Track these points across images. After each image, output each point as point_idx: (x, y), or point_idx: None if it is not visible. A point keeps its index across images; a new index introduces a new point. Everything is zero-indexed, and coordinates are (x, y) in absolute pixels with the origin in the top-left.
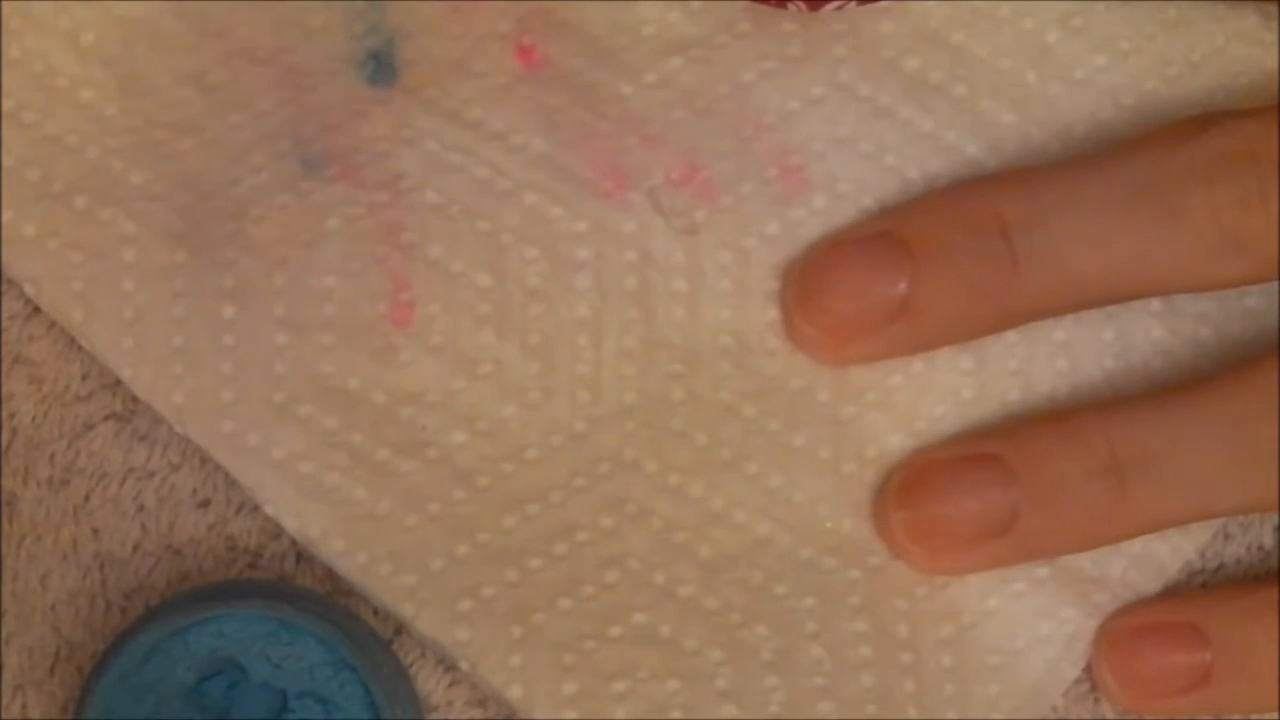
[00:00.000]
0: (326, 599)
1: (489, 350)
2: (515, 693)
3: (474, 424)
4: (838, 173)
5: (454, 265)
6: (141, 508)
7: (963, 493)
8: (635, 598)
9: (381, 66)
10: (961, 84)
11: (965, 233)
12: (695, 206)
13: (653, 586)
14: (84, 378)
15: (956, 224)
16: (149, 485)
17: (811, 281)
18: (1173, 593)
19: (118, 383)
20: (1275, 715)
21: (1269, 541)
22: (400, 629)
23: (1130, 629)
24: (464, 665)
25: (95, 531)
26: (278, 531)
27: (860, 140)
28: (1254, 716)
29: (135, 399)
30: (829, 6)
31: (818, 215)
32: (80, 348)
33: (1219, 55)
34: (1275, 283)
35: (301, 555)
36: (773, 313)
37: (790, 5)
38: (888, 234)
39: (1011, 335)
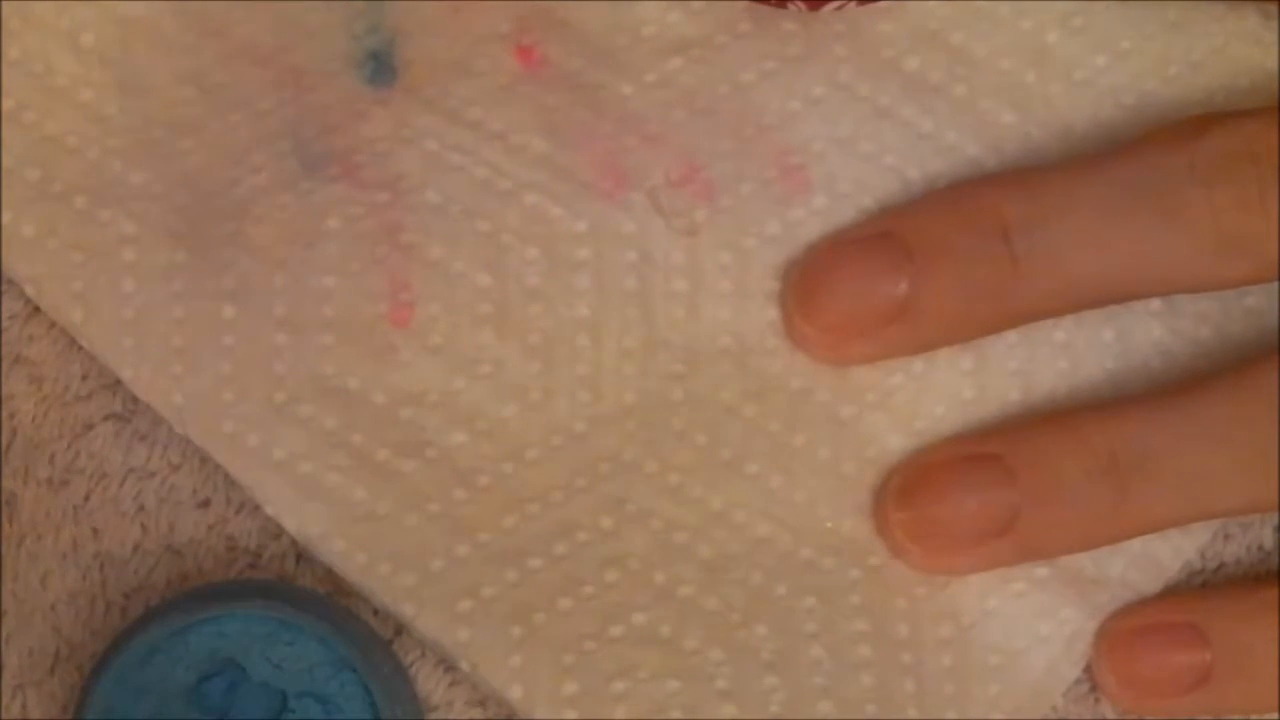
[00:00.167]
0: (326, 599)
1: (489, 350)
2: (515, 693)
3: (474, 424)
4: (838, 173)
5: (454, 265)
6: (141, 508)
7: (962, 493)
8: (635, 598)
9: (381, 66)
10: (961, 84)
11: (965, 233)
12: (695, 206)
13: (653, 586)
14: (84, 378)
15: (957, 224)
16: (149, 485)
17: (811, 282)
18: (1173, 593)
19: (118, 383)
20: (1275, 715)
21: (1269, 541)
22: (400, 629)
23: (1130, 629)
24: (464, 665)
25: (95, 531)
26: (278, 531)
27: (860, 140)
28: (1254, 717)
29: (135, 399)
30: (829, 6)
31: (818, 215)
32: (80, 348)
33: (1219, 55)
34: (1275, 283)
35: (301, 555)
36: (773, 313)
37: (790, 5)
38: (888, 234)
39: (1011, 335)
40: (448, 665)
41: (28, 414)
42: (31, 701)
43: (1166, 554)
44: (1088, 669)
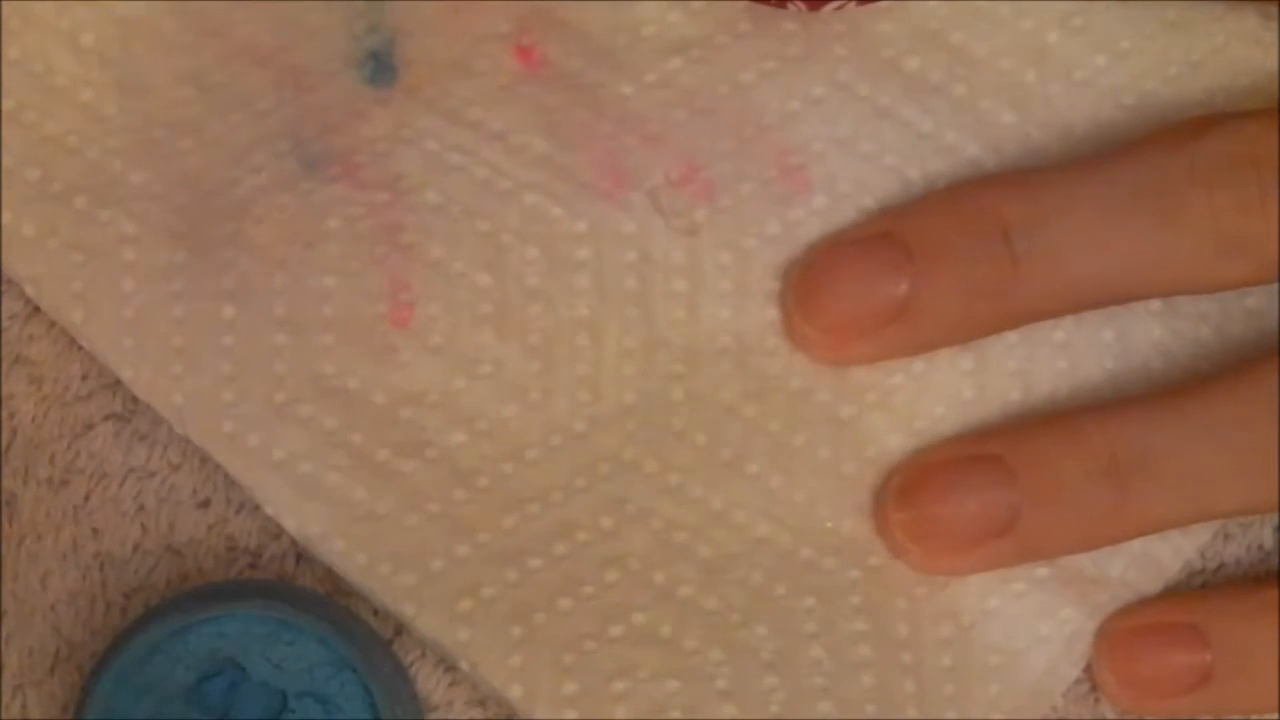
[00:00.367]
0: (326, 599)
1: (489, 350)
2: (515, 693)
3: (474, 424)
4: (838, 173)
5: (454, 265)
6: (141, 508)
7: (963, 493)
8: (635, 598)
9: (381, 66)
10: (961, 84)
11: (965, 234)
12: (695, 206)
13: (653, 586)
14: (84, 378)
15: (957, 225)
16: (149, 485)
17: (811, 282)
18: (1173, 593)
19: (118, 383)
20: (1275, 716)
21: (1269, 541)
22: (400, 629)
23: (1130, 629)
24: (464, 665)
25: (95, 531)
26: (278, 531)
27: (860, 140)
28: (1254, 717)
29: (135, 399)
30: (829, 6)
31: (818, 215)
32: (80, 348)
33: (1219, 55)
34: (1275, 284)
35: (301, 555)
36: (773, 313)
37: (790, 5)
38: (888, 235)
39: (1012, 336)
40: (448, 665)
41: (28, 414)
42: (31, 701)
43: (1166, 554)
44: (1088, 669)
